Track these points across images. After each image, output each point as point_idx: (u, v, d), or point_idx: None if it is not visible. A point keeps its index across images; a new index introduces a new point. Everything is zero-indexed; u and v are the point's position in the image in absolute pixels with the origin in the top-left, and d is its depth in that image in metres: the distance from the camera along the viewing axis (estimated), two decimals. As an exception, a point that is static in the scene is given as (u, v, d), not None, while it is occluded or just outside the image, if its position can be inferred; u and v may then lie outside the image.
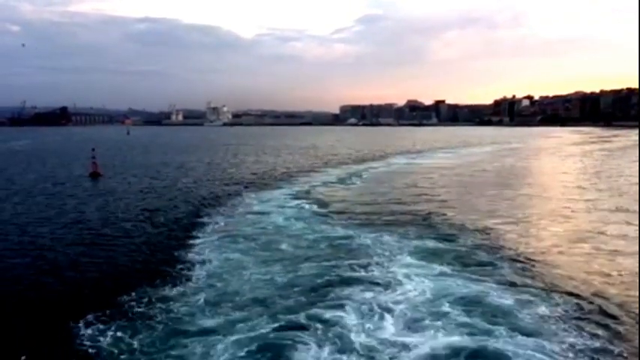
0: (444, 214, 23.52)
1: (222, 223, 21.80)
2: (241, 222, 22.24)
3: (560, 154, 68.62)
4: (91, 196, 30.73)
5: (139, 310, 11.96)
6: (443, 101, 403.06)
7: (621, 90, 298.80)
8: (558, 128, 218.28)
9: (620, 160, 57.67)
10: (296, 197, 28.88)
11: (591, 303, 12.20)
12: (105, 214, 24.29)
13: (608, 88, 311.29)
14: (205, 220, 22.55)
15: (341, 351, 9.93)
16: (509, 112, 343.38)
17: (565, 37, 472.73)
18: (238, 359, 9.67)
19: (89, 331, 10.81)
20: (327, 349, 9.96)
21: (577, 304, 12.14)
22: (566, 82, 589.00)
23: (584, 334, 10.51)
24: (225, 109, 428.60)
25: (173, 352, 9.95)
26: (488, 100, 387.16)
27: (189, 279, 14.26)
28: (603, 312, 11.71)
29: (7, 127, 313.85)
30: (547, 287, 13.35)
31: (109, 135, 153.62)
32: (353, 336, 10.49)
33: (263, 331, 10.75)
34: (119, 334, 10.69)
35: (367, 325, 11.02)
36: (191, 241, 18.58)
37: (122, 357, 9.88)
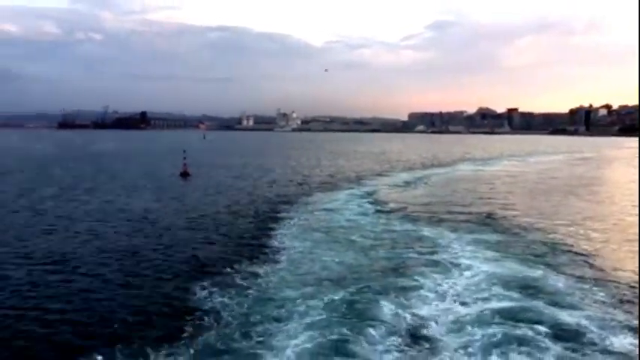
0: (505, 215, 25.15)
1: (298, 218, 24.43)
2: (315, 217, 24.79)
3: (634, 164, 67.21)
4: (186, 192, 34.72)
5: (236, 281, 14.61)
6: (515, 109, 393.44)
7: None
8: (637, 139, 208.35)
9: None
10: (364, 197, 31.27)
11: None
12: (200, 207, 27.74)
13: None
14: (283, 214, 25.27)
15: (407, 314, 12.09)
16: (585, 122, 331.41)
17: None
18: (316, 318, 11.84)
19: (203, 294, 13.55)
20: (397, 313, 12.09)
21: (626, 293, 13.53)
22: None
23: (629, 316, 11.91)
24: (294, 115, 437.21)
25: (262, 314, 12.29)
26: (563, 109, 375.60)
27: (273, 261, 16.84)
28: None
29: (90, 130, 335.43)
30: (597, 277, 14.87)
31: (186, 139, 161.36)
32: (419, 304, 12.71)
33: (337, 298, 13.05)
34: (223, 298, 13.33)
35: (431, 297, 13.25)
36: (272, 232, 21.25)
37: (225, 314, 12.39)
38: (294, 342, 10.59)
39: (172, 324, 11.73)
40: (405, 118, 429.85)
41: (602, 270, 15.76)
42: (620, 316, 11.91)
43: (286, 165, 59.47)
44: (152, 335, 11.10)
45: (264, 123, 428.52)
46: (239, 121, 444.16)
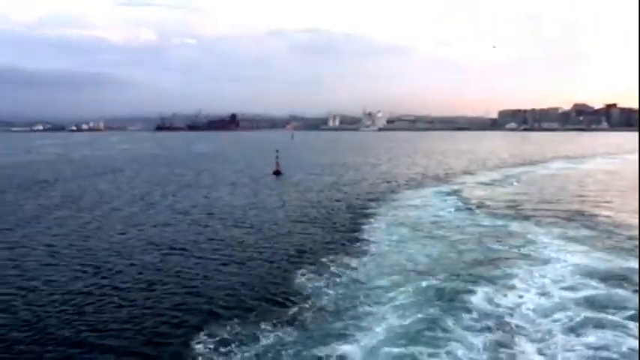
0: (596, 213, 24.92)
1: (386, 213, 25.57)
2: (402, 212, 25.83)
3: None
4: (280, 189, 36.92)
5: (331, 269, 16.00)
6: (614, 105, 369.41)
7: None
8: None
9: None
10: (451, 194, 31.92)
11: None
12: (294, 203, 29.72)
13: None
14: (372, 210, 26.47)
15: (496, 300, 13.01)
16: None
17: None
18: (405, 302, 13.02)
19: (303, 279, 15.11)
20: (486, 299, 13.04)
21: None
22: None
23: None
24: (379, 114, 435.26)
25: (355, 298, 13.54)
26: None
27: (364, 252, 18.10)
28: None
29: (184, 131, 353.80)
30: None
31: (275, 139, 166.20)
32: (507, 292, 13.56)
33: (425, 285, 14.12)
34: (319, 283, 14.77)
35: (519, 286, 14.06)
36: (362, 226, 22.53)
37: (324, 297, 13.73)
38: (384, 322, 11.81)
39: (276, 304, 13.34)
40: (494, 115, 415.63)
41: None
42: None
43: (373, 163, 60.65)
44: (261, 311, 12.74)
45: (350, 123, 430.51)
46: (325, 121, 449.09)
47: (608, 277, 14.36)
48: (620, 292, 13.18)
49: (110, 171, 51.60)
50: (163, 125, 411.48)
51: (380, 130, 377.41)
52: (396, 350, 10.47)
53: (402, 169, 52.53)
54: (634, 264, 15.58)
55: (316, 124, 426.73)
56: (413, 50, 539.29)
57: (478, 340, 10.74)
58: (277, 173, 45.20)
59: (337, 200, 30.33)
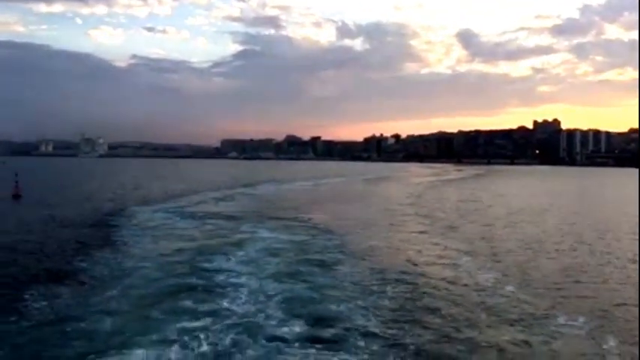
0: (288, 215, 34.86)
1: (127, 223, 30.62)
2: (138, 220, 31.77)
3: (400, 183, 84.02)
4: (26, 208, 38.78)
5: (96, 258, 21.07)
6: (319, 137, 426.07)
7: (470, 132, 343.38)
8: (417, 164, 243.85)
9: (440, 187, 73.51)
10: (178, 208, 38.95)
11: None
12: (43, 218, 32.40)
13: (465, 129, 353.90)
14: (115, 222, 30.81)
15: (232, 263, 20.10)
16: (377, 149, 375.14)
17: (431, 79, 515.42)
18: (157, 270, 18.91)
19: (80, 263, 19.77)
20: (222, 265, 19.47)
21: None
22: (431, 122, 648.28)
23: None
24: (100, 140, 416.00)
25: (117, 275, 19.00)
26: (360, 138, 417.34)
27: (117, 249, 22.66)
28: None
29: None
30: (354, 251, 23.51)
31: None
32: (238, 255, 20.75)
33: (174, 260, 20.34)
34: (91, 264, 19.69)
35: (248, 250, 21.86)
36: (111, 232, 27.14)
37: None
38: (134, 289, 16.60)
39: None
40: (217, 144, 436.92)
41: (357, 243, 25.40)
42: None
43: (107, 187, 63.66)
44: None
45: (66, 149, 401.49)
46: (36, 146, 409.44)
47: (292, 244, 23.83)
48: (308, 256, 21.46)
49: None
50: None
51: (101, 156, 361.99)
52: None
53: (133, 191, 57.01)
54: (312, 238, 25.52)
55: (26, 150, 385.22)
56: (132, 75, 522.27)
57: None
58: (17, 196, 45.64)
59: (84, 213, 34.62)
